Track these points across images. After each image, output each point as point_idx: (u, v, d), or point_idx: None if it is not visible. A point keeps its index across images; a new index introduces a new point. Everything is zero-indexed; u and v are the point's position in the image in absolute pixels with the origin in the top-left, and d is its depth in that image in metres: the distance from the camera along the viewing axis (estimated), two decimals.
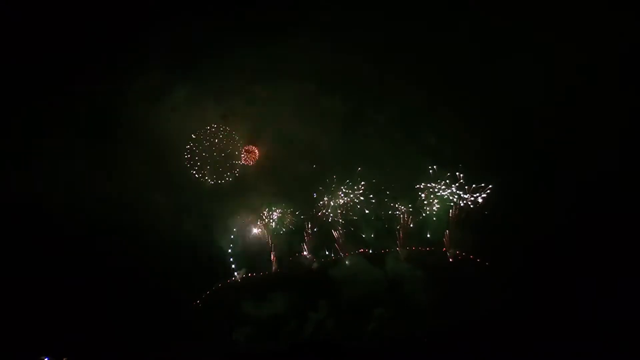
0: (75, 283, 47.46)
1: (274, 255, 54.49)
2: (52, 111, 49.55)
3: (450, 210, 51.61)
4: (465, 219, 51.44)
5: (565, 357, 38.39)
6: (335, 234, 54.23)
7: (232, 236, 53.80)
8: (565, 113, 47.45)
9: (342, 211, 53.90)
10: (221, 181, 53.72)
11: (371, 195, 53.20)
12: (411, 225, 52.74)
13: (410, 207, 52.47)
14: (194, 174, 53.18)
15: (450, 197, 51.57)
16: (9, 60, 47.06)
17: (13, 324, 44.04)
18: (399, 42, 49.50)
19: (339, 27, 49.98)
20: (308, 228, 54.27)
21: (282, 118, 53.40)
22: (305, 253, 54.80)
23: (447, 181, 51.45)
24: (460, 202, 51.27)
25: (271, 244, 54.38)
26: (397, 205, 52.66)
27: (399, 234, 52.85)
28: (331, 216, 54.00)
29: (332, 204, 53.84)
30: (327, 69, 50.98)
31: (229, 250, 53.94)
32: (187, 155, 53.28)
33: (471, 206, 50.96)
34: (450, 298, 46.65)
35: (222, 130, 54.08)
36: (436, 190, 51.95)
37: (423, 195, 52.10)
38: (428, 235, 52.63)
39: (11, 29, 46.81)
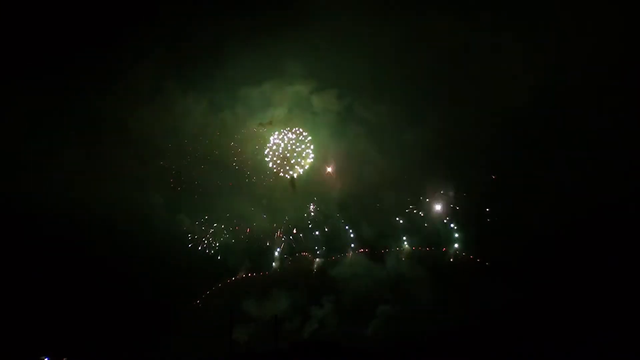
0: (75, 283, 47.52)
1: (275, 255, 54.62)
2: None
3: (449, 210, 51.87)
4: (465, 219, 51.53)
5: (566, 357, 38.42)
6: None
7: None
8: (566, 111, 47.40)
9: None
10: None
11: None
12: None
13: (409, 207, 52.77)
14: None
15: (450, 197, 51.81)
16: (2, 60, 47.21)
17: (13, 324, 44.08)
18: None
19: None
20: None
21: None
22: (305, 253, 54.87)
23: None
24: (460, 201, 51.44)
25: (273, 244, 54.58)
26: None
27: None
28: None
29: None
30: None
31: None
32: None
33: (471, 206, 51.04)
34: (450, 298, 46.64)
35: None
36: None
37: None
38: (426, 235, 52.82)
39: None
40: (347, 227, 54.11)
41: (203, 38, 51.98)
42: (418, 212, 53.03)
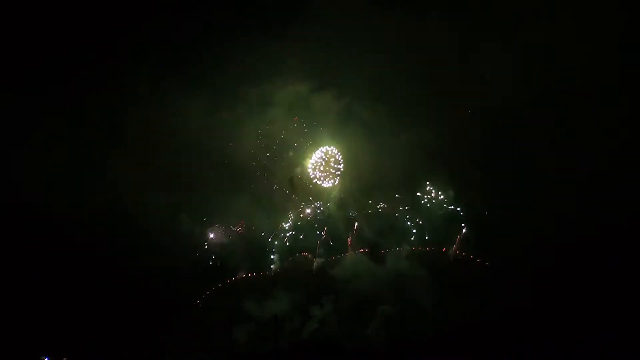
0: (75, 283, 47.51)
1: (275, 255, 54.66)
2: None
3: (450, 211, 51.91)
4: (466, 219, 51.58)
5: (566, 357, 38.41)
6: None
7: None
8: (566, 112, 47.46)
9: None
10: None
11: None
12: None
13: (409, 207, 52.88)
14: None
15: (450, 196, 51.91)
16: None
17: (13, 324, 44.07)
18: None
19: None
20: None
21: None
22: (305, 253, 54.86)
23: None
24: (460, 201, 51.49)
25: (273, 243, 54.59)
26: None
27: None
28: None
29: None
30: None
31: None
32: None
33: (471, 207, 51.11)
34: (450, 298, 46.64)
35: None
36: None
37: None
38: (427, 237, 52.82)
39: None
40: (347, 227, 54.21)
41: (203, 38, 52.09)
42: (418, 212, 53.21)
